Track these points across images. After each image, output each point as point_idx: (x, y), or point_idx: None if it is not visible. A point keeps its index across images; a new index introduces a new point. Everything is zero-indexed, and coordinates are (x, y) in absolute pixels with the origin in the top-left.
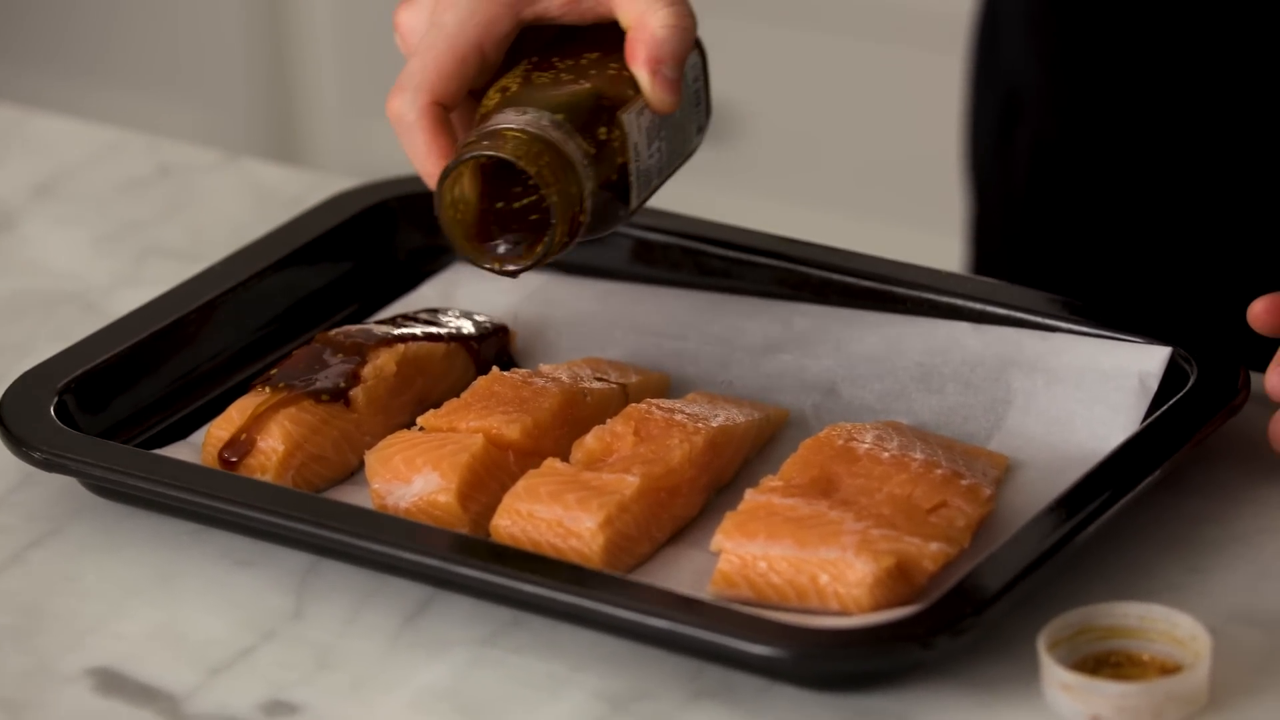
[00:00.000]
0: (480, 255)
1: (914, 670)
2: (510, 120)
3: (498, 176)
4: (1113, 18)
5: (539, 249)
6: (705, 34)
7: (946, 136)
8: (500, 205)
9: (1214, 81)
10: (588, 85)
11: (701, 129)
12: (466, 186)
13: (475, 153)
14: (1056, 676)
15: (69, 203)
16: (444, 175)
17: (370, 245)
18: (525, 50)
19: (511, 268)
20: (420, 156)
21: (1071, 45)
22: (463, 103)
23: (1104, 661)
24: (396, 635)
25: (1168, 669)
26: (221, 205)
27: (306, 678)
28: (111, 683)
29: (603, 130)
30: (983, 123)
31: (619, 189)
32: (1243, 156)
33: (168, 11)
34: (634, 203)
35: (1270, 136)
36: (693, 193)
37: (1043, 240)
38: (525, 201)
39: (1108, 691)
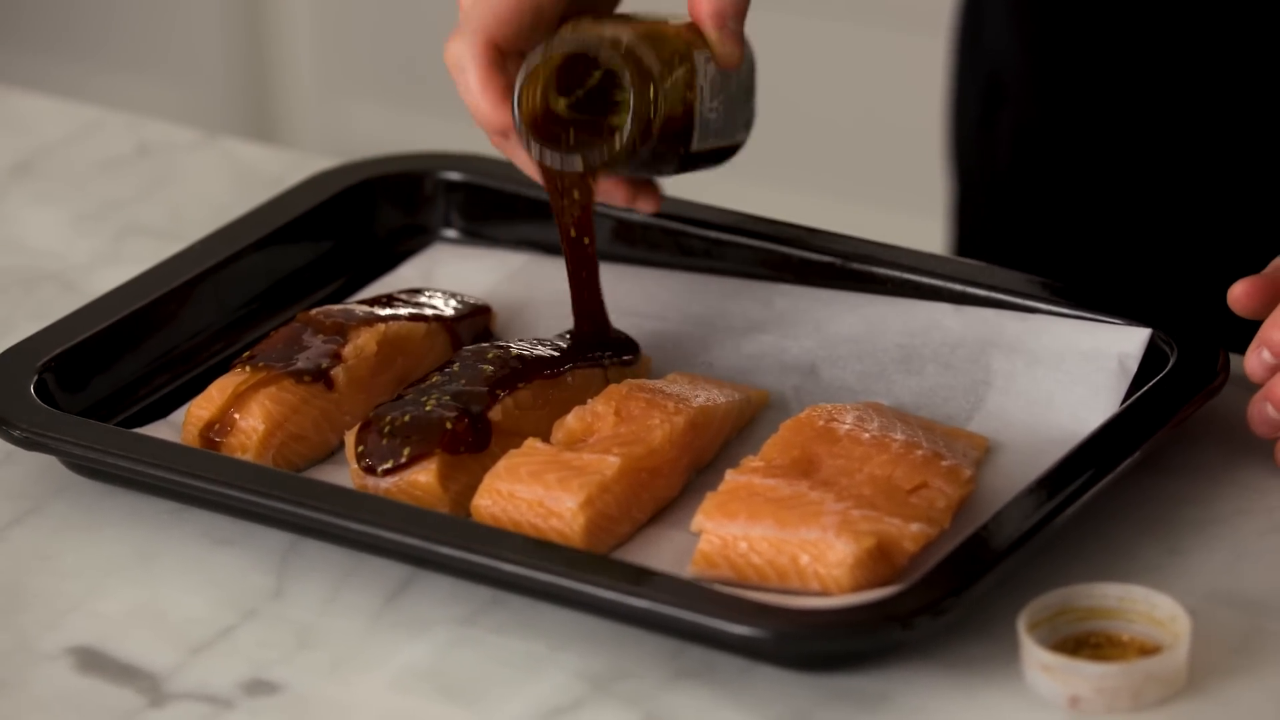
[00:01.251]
0: (553, 151)
1: (894, 651)
2: (592, 28)
3: (569, 86)
4: (1094, 2)
5: (615, 143)
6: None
7: (928, 118)
8: (570, 112)
9: (1193, 65)
10: (661, 25)
11: (749, 124)
12: (540, 89)
13: (563, 49)
14: (1036, 657)
15: (49, 181)
16: (526, 70)
17: (351, 225)
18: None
19: (586, 163)
20: (475, 95)
21: (1053, 29)
22: (516, 59)
23: (1084, 642)
24: (377, 614)
25: (1147, 650)
26: (201, 184)
27: (287, 656)
28: (92, 661)
29: (677, 59)
30: (965, 107)
31: (683, 127)
32: (1223, 139)
33: None
34: (695, 145)
35: (1250, 118)
36: None
37: (1025, 222)
38: (590, 117)
39: (1087, 672)
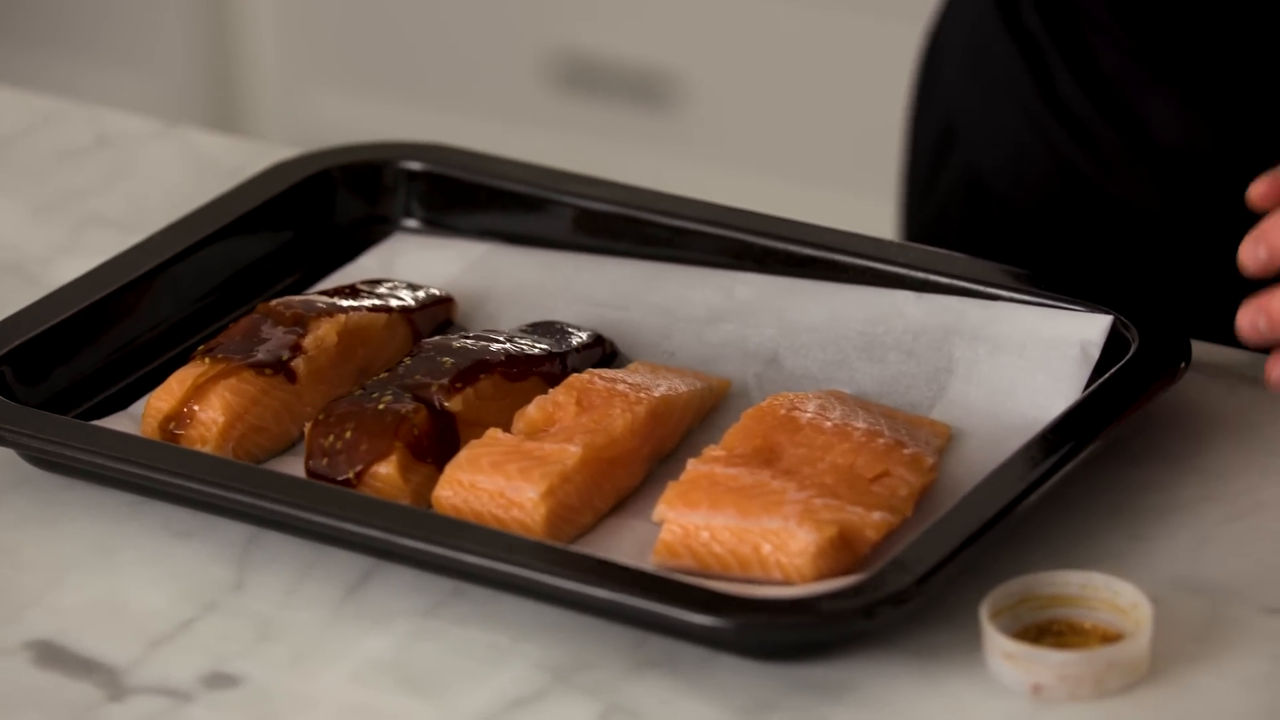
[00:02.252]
0: None
1: (856, 640)
2: None
3: None
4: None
5: None
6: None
7: (889, 103)
8: None
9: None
10: None
11: None
12: None
13: None
14: (999, 645)
15: (6, 172)
16: None
17: (311, 215)
18: None
19: None
20: None
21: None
22: None
23: (1046, 630)
24: (338, 607)
25: (1110, 637)
26: (161, 175)
27: (247, 649)
28: (50, 655)
29: None
30: (918, 149)
31: None
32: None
33: None
34: None
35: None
36: (634, 161)
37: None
38: None
39: (1050, 660)
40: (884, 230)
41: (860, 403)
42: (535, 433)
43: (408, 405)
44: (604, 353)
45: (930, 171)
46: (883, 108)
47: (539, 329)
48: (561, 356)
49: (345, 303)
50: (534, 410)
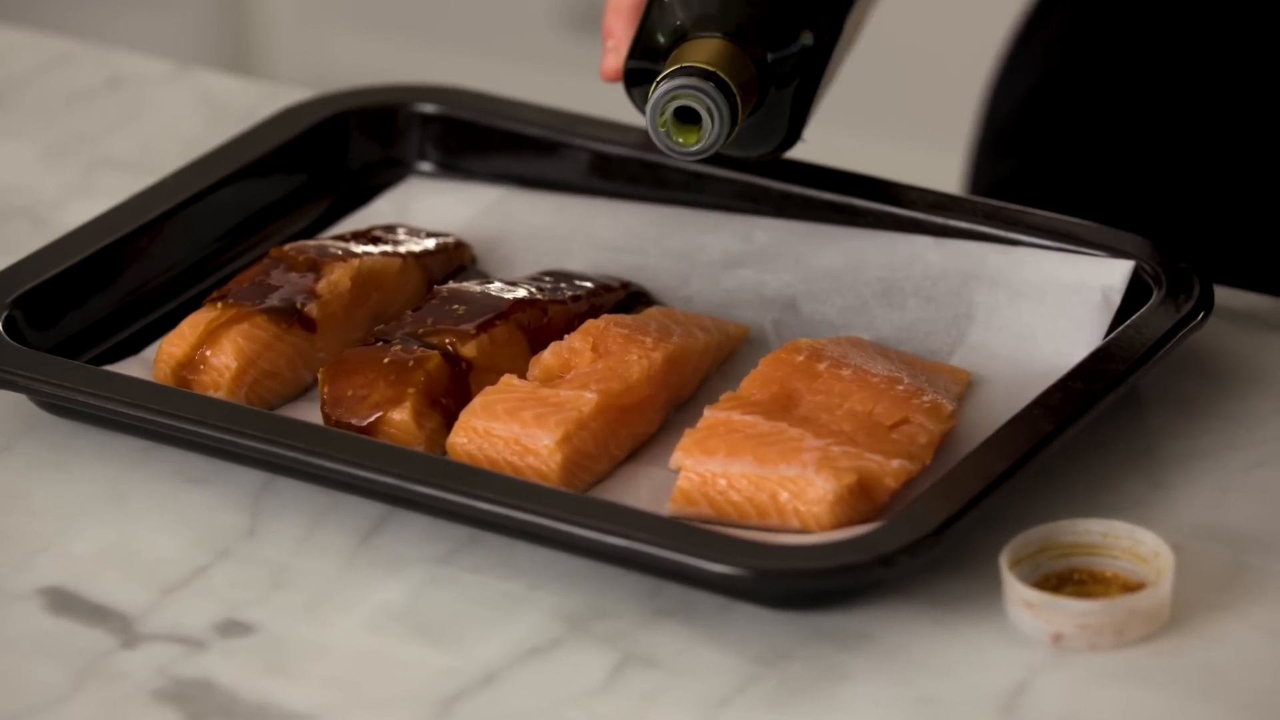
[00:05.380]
0: None
1: (875, 588)
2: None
3: None
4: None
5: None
6: None
7: (914, 46)
8: None
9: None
10: None
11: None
12: None
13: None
14: (1019, 594)
15: (16, 114)
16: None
17: (324, 158)
18: None
19: None
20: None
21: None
22: None
23: (1066, 579)
24: (352, 554)
25: (1131, 586)
26: (173, 117)
27: (261, 597)
28: (63, 602)
29: None
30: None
31: None
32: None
33: None
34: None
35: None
36: None
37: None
38: None
39: (1070, 609)
40: (902, 174)
41: (879, 349)
42: (551, 379)
43: (422, 351)
44: (627, 297)
45: (1020, 122)
46: (904, 49)
47: (553, 276)
48: (579, 300)
49: (359, 248)
50: (550, 356)
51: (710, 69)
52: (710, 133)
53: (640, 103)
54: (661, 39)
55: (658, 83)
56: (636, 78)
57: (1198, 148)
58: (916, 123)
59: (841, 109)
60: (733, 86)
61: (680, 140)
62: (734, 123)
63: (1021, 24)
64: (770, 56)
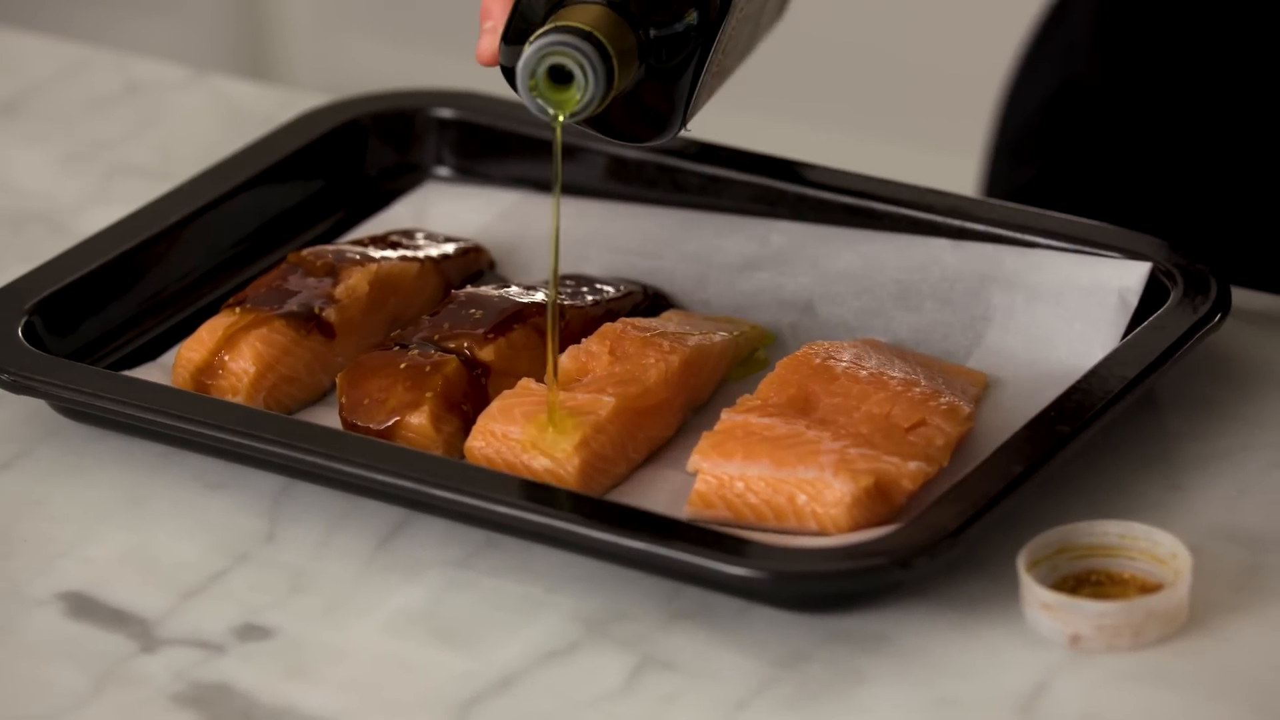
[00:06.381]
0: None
1: (892, 590)
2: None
3: None
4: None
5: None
6: None
7: (925, 50)
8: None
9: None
10: None
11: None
12: None
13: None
14: (1036, 596)
15: (35, 121)
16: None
17: (342, 163)
18: None
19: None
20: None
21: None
22: None
23: (1084, 580)
24: (370, 558)
25: (1148, 587)
26: (191, 123)
27: (280, 601)
28: (82, 607)
29: None
30: (1031, 85)
31: None
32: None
33: None
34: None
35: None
36: None
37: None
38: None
39: (1088, 610)
40: (916, 176)
41: (896, 351)
42: (568, 383)
43: (440, 356)
44: (645, 300)
45: (1039, 128)
46: (918, 53)
47: (570, 280)
48: (596, 304)
49: (376, 252)
50: (567, 360)
51: (588, 29)
52: (585, 90)
53: (514, 82)
54: (537, 14)
55: (531, 40)
56: (512, 56)
57: (1217, 152)
58: (932, 128)
59: (857, 113)
60: (610, 49)
61: (552, 101)
62: (609, 86)
63: (1038, 29)
64: (653, 33)
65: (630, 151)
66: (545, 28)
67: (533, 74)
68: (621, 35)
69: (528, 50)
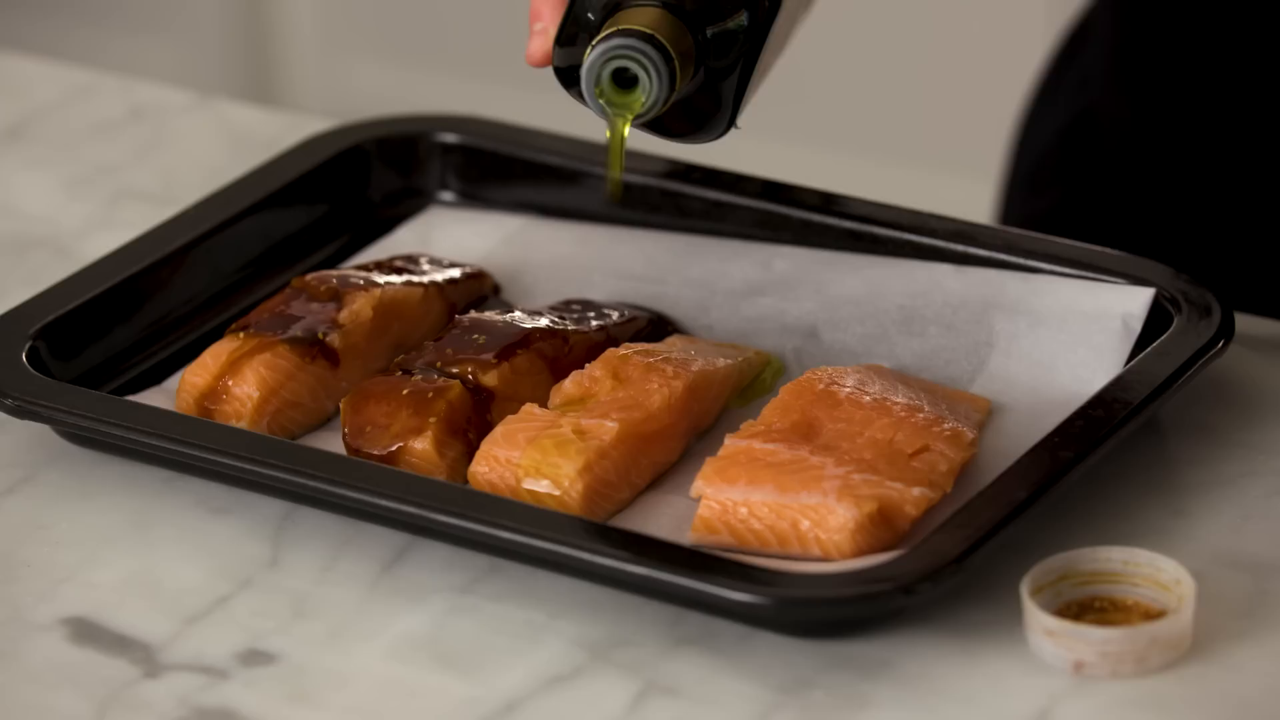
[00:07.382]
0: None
1: (896, 616)
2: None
3: None
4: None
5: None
6: None
7: (933, 74)
8: None
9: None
10: None
11: None
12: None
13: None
14: (1040, 622)
15: (39, 145)
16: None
17: (346, 188)
18: None
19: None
20: None
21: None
22: None
23: (1088, 607)
24: (374, 583)
25: (1152, 614)
26: (195, 147)
27: (283, 626)
28: (86, 632)
29: None
30: (1049, 109)
31: None
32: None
33: None
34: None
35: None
36: None
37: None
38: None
39: (1091, 637)
40: (920, 202)
41: (900, 377)
42: (572, 408)
43: (443, 381)
44: (649, 325)
45: (1056, 157)
46: (924, 78)
47: (575, 305)
48: (600, 329)
49: (381, 277)
50: (570, 385)
51: (649, 32)
52: (650, 93)
53: (570, 85)
54: (592, 17)
55: (594, 45)
56: (567, 58)
57: (1233, 182)
58: (949, 156)
59: (873, 140)
60: (672, 52)
61: (618, 104)
62: (672, 88)
63: (1055, 59)
64: (709, 32)
65: (634, 177)
66: (606, 31)
67: (598, 78)
68: (680, 37)
69: (591, 54)
